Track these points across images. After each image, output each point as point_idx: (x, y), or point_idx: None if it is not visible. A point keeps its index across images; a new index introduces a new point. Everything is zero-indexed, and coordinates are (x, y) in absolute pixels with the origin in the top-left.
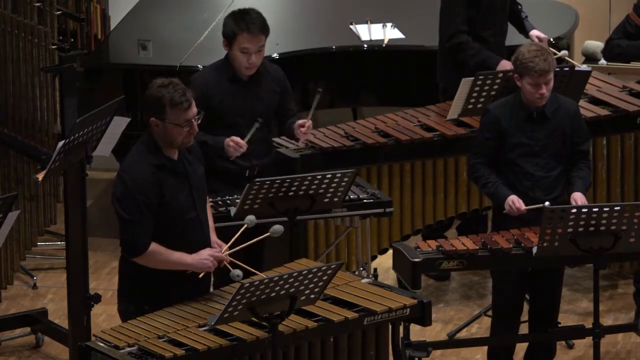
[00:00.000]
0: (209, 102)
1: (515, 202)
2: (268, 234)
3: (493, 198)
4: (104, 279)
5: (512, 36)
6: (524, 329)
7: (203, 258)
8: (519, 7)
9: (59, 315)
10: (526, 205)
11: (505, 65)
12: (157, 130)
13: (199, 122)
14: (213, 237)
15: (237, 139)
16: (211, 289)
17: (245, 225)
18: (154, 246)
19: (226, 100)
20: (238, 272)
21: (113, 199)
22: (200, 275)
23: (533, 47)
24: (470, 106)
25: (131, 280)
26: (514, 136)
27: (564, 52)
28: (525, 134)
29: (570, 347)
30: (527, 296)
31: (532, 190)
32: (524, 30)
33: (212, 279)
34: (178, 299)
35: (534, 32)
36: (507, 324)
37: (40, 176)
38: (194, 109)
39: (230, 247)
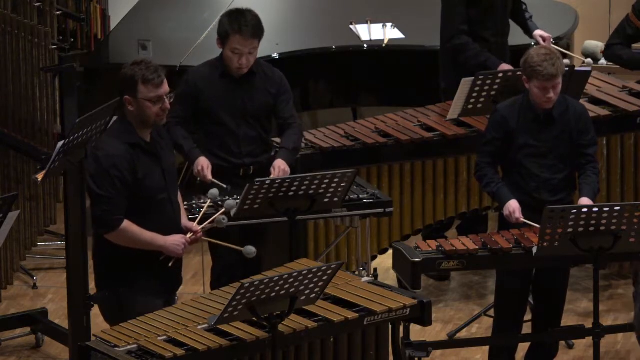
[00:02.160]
0: (198, 95)
1: (515, 212)
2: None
3: (494, 198)
4: None
5: (515, 36)
6: (526, 328)
7: (175, 242)
8: (524, 6)
9: (59, 315)
10: (530, 208)
11: (505, 68)
12: (131, 108)
13: (171, 100)
14: (184, 220)
15: (206, 167)
16: (208, 289)
17: (224, 209)
18: (127, 223)
19: (215, 96)
20: (250, 248)
21: (87, 176)
22: (170, 264)
23: (542, 50)
24: (470, 106)
25: (105, 264)
26: (520, 137)
27: (566, 61)
28: (532, 135)
29: (570, 347)
30: (530, 300)
31: (537, 191)
32: (528, 31)
33: (212, 277)
34: (152, 280)
35: (538, 32)
36: (510, 325)
37: (40, 176)
38: (166, 87)
39: (200, 223)
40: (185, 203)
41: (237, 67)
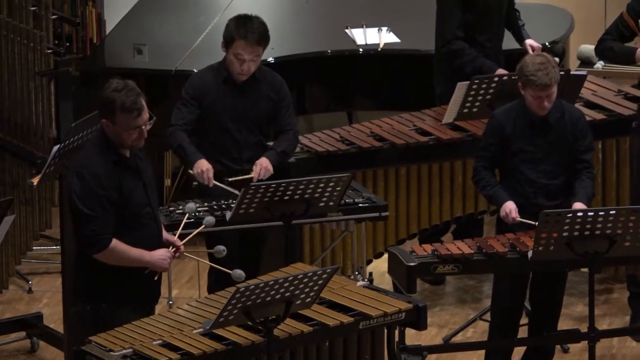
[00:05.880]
0: (201, 100)
1: (512, 212)
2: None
3: (491, 201)
4: None
5: (509, 41)
6: (521, 332)
7: (161, 256)
8: (517, 14)
9: (54, 319)
10: (526, 212)
11: (501, 73)
12: (109, 130)
13: (150, 127)
14: (164, 234)
15: (209, 170)
16: (205, 293)
17: (203, 226)
18: (114, 242)
19: (217, 101)
20: (239, 272)
21: (72, 196)
22: (156, 278)
23: (537, 59)
24: (465, 110)
25: (90, 279)
26: (516, 142)
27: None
28: (528, 141)
29: (566, 351)
30: (526, 304)
31: (534, 196)
32: (520, 39)
33: (206, 283)
34: (136, 296)
35: (528, 41)
36: (506, 328)
37: (35, 180)
38: (145, 116)
39: (181, 238)
40: (206, 205)
41: (239, 72)
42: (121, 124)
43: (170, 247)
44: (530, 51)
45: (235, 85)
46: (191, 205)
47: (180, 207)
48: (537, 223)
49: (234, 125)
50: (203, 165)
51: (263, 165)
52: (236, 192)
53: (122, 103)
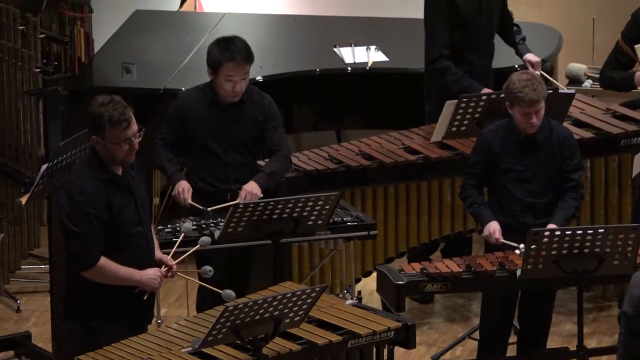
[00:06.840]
0: (186, 121)
1: (495, 232)
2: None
3: (476, 219)
4: None
5: (498, 59)
6: (510, 351)
7: (151, 276)
8: (516, 28)
9: (42, 338)
10: (514, 231)
11: (489, 92)
12: (99, 147)
13: (140, 139)
14: (157, 253)
15: (186, 190)
16: (192, 312)
17: (198, 246)
18: (102, 260)
19: (203, 123)
20: (229, 292)
21: (61, 213)
22: (145, 297)
23: (523, 76)
24: (454, 129)
25: (80, 297)
26: (504, 161)
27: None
28: (516, 160)
29: None
30: (514, 323)
31: (522, 215)
32: (518, 53)
33: (195, 302)
34: (126, 315)
35: (527, 56)
36: (494, 347)
37: (23, 199)
38: (134, 127)
39: (174, 258)
40: (194, 223)
41: (232, 94)
42: (111, 138)
43: (163, 267)
44: (529, 66)
45: (221, 107)
46: (188, 225)
47: (170, 226)
48: (521, 246)
49: (219, 146)
50: (179, 186)
51: (248, 190)
52: (199, 206)
53: (110, 116)
